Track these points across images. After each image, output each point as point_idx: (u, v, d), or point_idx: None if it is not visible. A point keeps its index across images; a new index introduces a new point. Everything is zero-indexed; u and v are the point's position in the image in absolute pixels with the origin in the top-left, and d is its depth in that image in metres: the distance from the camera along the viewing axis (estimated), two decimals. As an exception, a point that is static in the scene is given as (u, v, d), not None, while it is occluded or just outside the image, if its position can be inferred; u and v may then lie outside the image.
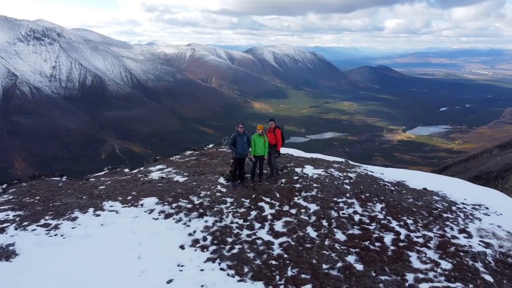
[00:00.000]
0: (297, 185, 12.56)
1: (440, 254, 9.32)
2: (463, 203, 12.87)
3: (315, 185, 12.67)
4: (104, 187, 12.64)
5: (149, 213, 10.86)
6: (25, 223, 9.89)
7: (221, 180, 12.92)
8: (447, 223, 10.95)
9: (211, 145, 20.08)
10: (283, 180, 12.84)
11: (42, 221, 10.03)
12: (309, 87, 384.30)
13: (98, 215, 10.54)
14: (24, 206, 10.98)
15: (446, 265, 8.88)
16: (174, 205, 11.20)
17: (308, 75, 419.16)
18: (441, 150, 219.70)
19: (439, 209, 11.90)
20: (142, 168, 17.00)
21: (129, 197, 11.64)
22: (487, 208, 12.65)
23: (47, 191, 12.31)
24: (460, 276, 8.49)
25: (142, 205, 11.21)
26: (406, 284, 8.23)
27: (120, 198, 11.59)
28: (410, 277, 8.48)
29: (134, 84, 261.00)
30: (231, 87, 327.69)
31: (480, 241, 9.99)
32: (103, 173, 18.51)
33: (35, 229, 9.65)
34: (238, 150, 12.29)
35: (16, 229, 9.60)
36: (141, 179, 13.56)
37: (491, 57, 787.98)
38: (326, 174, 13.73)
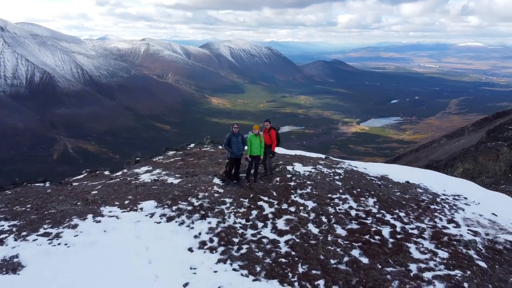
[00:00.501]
0: (292, 183, 12.91)
1: (435, 244, 9.99)
2: (444, 195, 13.76)
3: (308, 182, 13.08)
4: (96, 192, 12.37)
5: (150, 217, 10.80)
6: (24, 233, 9.57)
7: (216, 180, 13.02)
8: (436, 214, 11.71)
9: (192, 145, 19.98)
10: (278, 179, 13.15)
11: (42, 230, 9.74)
12: (266, 82, 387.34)
13: (99, 222, 10.36)
14: (17, 215, 10.58)
15: (443, 254, 9.54)
16: (174, 207, 11.20)
17: (264, 69, 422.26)
18: (393, 141, 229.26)
19: (426, 201, 12.67)
20: (125, 170, 16.69)
21: (127, 202, 11.49)
22: (465, 198, 13.60)
23: (37, 198, 11.89)
24: (458, 264, 9.17)
25: (141, 209, 11.11)
26: (411, 274, 8.78)
27: (117, 203, 11.42)
28: (413, 267, 9.05)
29: (86, 80, 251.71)
30: (188, 83, 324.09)
31: (468, 230, 10.79)
32: (82, 176, 18.00)
33: (36, 239, 9.36)
34: (233, 150, 12.42)
35: (15, 239, 9.27)
36: (133, 182, 13.36)
37: (437, 51, 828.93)
38: (316, 171, 14.18)
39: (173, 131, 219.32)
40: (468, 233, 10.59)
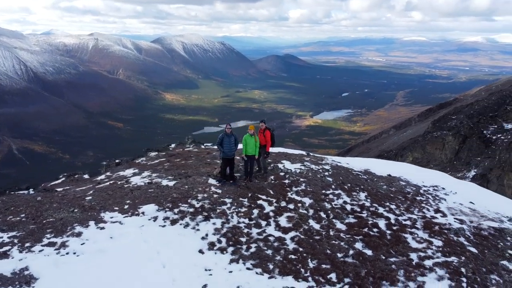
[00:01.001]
0: (286, 181, 13.28)
1: (428, 233, 10.75)
2: (424, 186, 14.69)
3: (301, 179, 13.51)
4: (91, 197, 12.11)
5: (154, 220, 10.78)
6: (27, 244, 9.30)
7: (211, 181, 13.13)
8: (423, 205, 12.54)
9: (173, 145, 19.81)
10: (272, 177, 13.47)
11: (46, 240, 9.50)
12: (220, 77, 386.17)
13: (103, 228, 10.22)
14: (14, 226, 10.20)
15: (437, 242, 10.31)
16: (175, 210, 11.23)
17: (218, 64, 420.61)
18: (345, 132, 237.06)
19: (411, 193, 13.50)
20: (109, 174, 16.32)
21: (126, 206, 11.38)
22: (443, 188, 14.60)
23: (28, 207, 11.48)
24: (452, 251, 9.95)
25: (143, 213, 11.05)
26: (413, 263, 9.44)
27: (116, 208, 11.27)
28: (414, 256, 9.72)
29: (31, 77, 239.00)
30: (139, 79, 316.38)
31: (454, 218, 11.68)
32: (60, 181, 17.40)
33: (42, 250, 9.13)
34: (224, 150, 12.61)
35: (20, 251, 9.00)
36: (126, 186, 13.17)
37: (384, 45, 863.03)
38: (306, 168, 14.63)
39: (126, 129, 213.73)
40: (455, 221, 11.46)
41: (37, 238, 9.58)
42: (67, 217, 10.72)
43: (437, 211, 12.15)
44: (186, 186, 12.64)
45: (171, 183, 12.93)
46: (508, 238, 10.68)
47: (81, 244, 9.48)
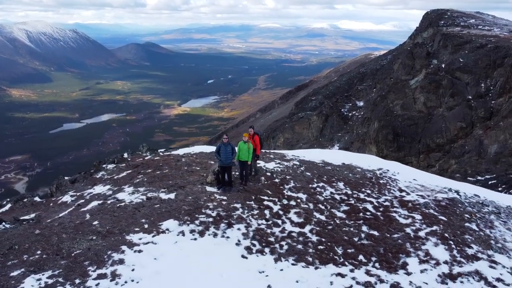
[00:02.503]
0: (276, 180, 14.54)
1: (407, 210, 13.29)
2: (373, 170, 17.43)
3: (287, 177, 14.91)
4: (97, 222, 11.64)
5: (183, 235, 11.08)
6: (77, 280, 8.96)
7: (210, 188, 13.65)
8: (388, 187, 15.15)
9: (126, 154, 19.01)
10: (262, 178, 14.56)
11: (93, 273, 9.25)
12: (76, 68, 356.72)
13: (140, 251, 10.23)
14: (42, 265, 9.53)
15: (417, 216, 12.89)
16: (196, 222, 11.65)
17: (72, 55, 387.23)
18: (214, 119, 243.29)
19: (373, 178, 16.04)
20: (74, 193, 15.27)
21: (146, 226, 11.36)
22: (388, 170, 17.56)
23: (35, 242, 10.63)
24: (430, 221, 12.61)
25: (167, 229, 11.23)
26: (412, 235, 11.80)
27: (137, 229, 11.20)
28: (408, 230, 12.09)
29: None
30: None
31: (416, 195, 14.50)
32: (7, 207, 15.59)
33: (99, 283, 8.95)
34: (221, 158, 13.34)
35: (78, 290, 8.74)
36: (122, 205, 12.80)
37: (243, 32, 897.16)
38: (283, 166, 16.04)
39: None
40: (418, 197, 14.28)
41: (82, 273, 9.25)
42: (93, 246, 10.37)
43: (401, 190, 14.88)
44: (190, 197, 12.98)
45: (171, 196, 13.09)
46: (459, 205, 13.86)
47: (132, 270, 9.49)
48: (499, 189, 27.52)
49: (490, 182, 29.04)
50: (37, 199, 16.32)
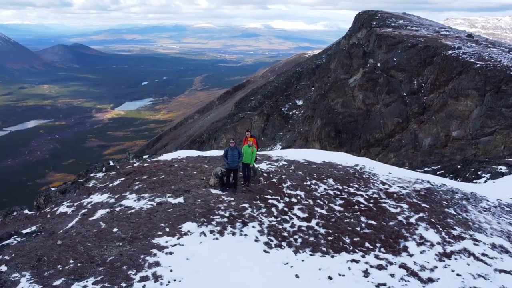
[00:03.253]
0: (274, 180, 15.49)
1: (394, 201, 14.89)
2: (352, 166, 18.97)
3: (283, 176, 15.92)
4: (117, 229, 11.86)
5: (205, 236, 11.70)
6: (123, 284, 9.37)
7: (215, 191, 14.27)
8: (371, 181, 16.71)
9: (112, 163, 18.79)
10: (261, 178, 15.43)
11: (135, 276, 9.66)
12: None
13: (171, 253, 10.74)
14: (81, 273, 9.76)
15: (404, 205, 14.52)
16: (213, 223, 12.30)
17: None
18: (150, 122, 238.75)
19: (356, 174, 17.54)
20: (72, 204, 15.06)
21: (167, 229, 11.81)
22: (364, 166, 19.21)
23: (63, 252, 10.71)
24: (416, 209, 14.29)
25: (189, 231, 11.76)
26: (404, 222, 13.36)
27: (160, 233, 11.61)
28: (400, 218, 13.65)
29: None
30: None
31: (397, 186, 16.19)
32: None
33: (144, 285, 9.42)
34: (228, 162, 14.10)
35: (128, 292, 9.16)
36: (134, 211, 13.02)
37: (176, 32, 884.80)
38: (274, 166, 17.00)
39: None
40: (399, 188, 15.98)
41: (124, 277, 9.63)
42: (124, 251, 10.70)
43: (383, 183, 16.52)
44: (199, 200, 13.55)
45: (180, 200, 13.56)
46: (435, 194, 15.76)
47: (171, 271, 10.01)
48: (447, 178, 30.53)
49: (438, 173, 32.11)
50: (27, 211, 15.85)
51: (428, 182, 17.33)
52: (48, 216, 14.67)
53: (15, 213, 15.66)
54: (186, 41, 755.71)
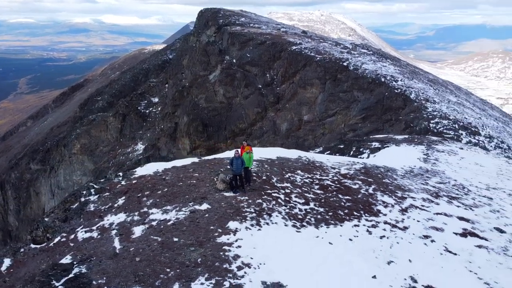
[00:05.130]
0: (264, 177, 18.88)
1: (350, 179, 19.86)
2: (300, 158, 23.35)
3: (267, 174, 19.43)
4: (177, 239, 13.78)
5: (250, 229, 14.53)
6: (229, 275, 12.00)
7: (228, 194, 16.98)
8: (324, 167, 21.40)
9: (96, 185, 18.86)
10: (255, 178, 18.54)
11: (232, 268, 12.35)
12: None
13: (240, 246, 13.50)
14: (185, 276, 11.92)
15: (359, 182, 19.67)
16: (248, 218, 15.23)
17: None
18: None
19: (310, 164, 22.00)
20: (85, 228, 15.63)
21: (219, 230, 14.29)
22: (307, 157, 23.81)
23: (148, 266, 12.44)
24: (368, 183, 19.53)
25: (236, 229, 14.48)
26: (367, 193, 18.42)
27: (216, 234, 14.06)
28: (362, 191, 18.67)
29: None
30: None
31: (344, 169, 21.23)
32: (8, 263, 14.64)
33: (245, 272, 12.21)
34: (233, 169, 16.99)
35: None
36: (171, 223, 14.87)
37: None
38: (255, 166, 20.14)
39: None
40: (347, 170, 21.05)
41: (223, 270, 12.23)
42: (202, 253, 13.03)
43: (333, 168, 21.46)
44: (223, 203, 16.22)
45: (208, 206, 15.96)
46: (370, 170, 21.33)
47: (251, 259, 12.94)
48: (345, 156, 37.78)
49: (326, 153, 39.01)
50: (33, 245, 15.69)
51: (359, 162, 23.03)
52: (71, 244, 15.22)
53: (22, 250, 15.44)
54: (2, 38, 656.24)
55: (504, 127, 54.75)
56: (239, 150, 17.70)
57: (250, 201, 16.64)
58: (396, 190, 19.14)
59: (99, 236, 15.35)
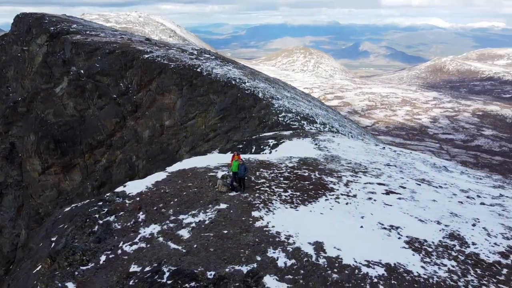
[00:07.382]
0: (252, 177, 23.53)
1: (299, 170, 26.29)
2: (250, 159, 28.49)
3: (258, 172, 24.13)
4: (226, 231, 17.95)
5: (273, 213, 19.67)
6: (289, 248, 17.18)
7: (232, 193, 21.39)
8: (274, 164, 27.27)
9: (106, 208, 20.07)
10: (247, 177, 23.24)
11: (291, 241, 17.52)
12: None
13: (274, 226, 18.59)
14: (260, 250, 16.60)
15: (306, 170, 26.18)
16: (268, 207, 20.20)
17: None
18: None
19: (263, 163, 27.42)
20: (127, 243, 17.98)
21: (250, 220, 19.01)
22: (249, 157, 29.11)
23: (228, 251, 16.57)
24: (319, 171, 26.30)
25: (260, 217, 19.41)
26: (325, 172, 25.20)
27: (250, 222, 18.79)
28: (316, 175, 25.35)
29: None
30: None
31: (288, 163, 27.50)
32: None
33: (299, 246, 17.57)
34: (238, 172, 21.56)
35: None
36: (209, 222, 18.70)
37: None
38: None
39: None
40: (291, 163, 27.35)
41: (278, 243, 17.31)
42: (257, 236, 17.74)
43: (280, 163, 27.43)
44: (235, 201, 20.74)
45: (226, 205, 20.27)
46: (309, 161, 28.15)
47: (297, 233, 18.26)
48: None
49: (229, 153, 44.36)
50: (81, 267, 17.18)
51: (292, 157, 29.68)
52: (125, 257, 17.58)
53: (76, 273, 16.86)
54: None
55: (327, 114, 68.85)
56: (236, 157, 22.33)
57: (252, 196, 21.59)
58: (332, 172, 26.48)
59: (148, 245, 18.25)
